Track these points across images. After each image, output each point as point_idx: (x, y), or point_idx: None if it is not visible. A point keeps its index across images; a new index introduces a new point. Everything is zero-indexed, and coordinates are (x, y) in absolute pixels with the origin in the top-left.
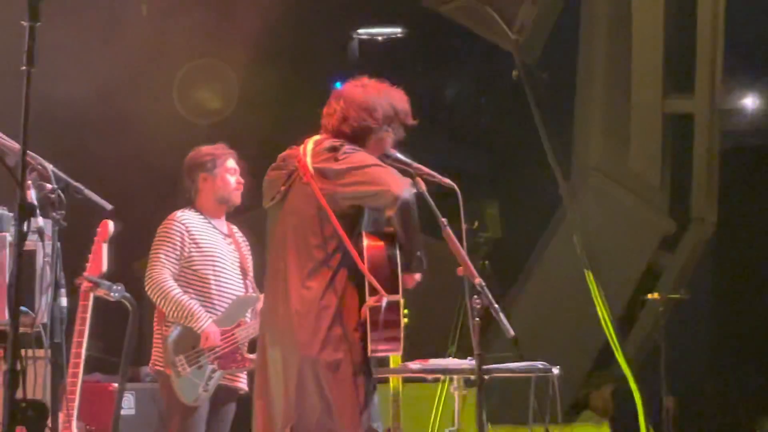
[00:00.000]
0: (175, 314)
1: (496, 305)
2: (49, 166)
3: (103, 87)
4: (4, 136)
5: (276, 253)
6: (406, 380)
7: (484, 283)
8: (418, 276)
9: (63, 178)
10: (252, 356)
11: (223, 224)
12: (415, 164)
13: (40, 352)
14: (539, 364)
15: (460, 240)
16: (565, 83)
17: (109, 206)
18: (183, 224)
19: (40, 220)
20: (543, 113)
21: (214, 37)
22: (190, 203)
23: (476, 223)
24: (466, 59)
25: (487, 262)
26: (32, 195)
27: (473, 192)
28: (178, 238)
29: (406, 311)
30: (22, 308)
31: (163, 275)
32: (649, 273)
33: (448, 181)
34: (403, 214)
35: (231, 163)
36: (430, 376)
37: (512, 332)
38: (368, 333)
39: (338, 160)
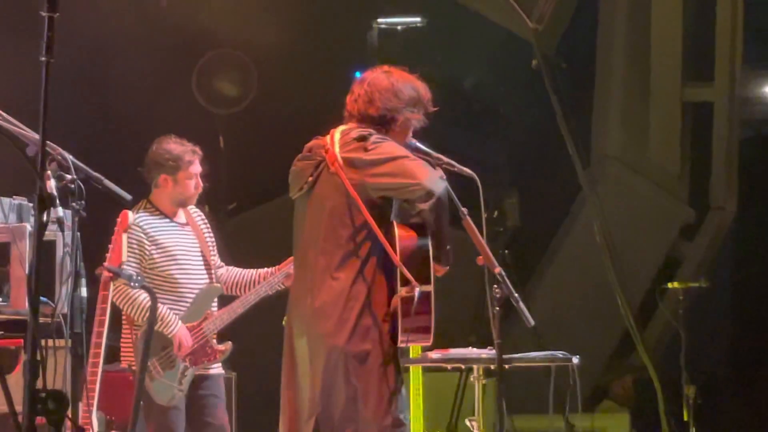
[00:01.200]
0: (145, 319)
1: (516, 294)
2: (69, 157)
3: (121, 76)
4: (23, 127)
5: (304, 243)
6: (426, 370)
7: (504, 273)
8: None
9: (82, 169)
10: (221, 347)
11: (179, 214)
12: (435, 154)
13: (61, 342)
14: (559, 354)
15: (480, 229)
16: (584, 72)
17: (128, 197)
18: (140, 227)
19: (59, 211)
20: (562, 102)
21: (234, 27)
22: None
23: (496, 213)
24: (485, 48)
25: (507, 251)
26: (52, 185)
27: (493, 181)
28: (136, 244)
29: None
30: (42, 298)
31: None
32: (669, 262)
33: (468, 170)
34: (436, 208)
35: (195, 167)
36: (450, 366)
37: (532, 321)
38: (399, 323)
39: (367, 150)
